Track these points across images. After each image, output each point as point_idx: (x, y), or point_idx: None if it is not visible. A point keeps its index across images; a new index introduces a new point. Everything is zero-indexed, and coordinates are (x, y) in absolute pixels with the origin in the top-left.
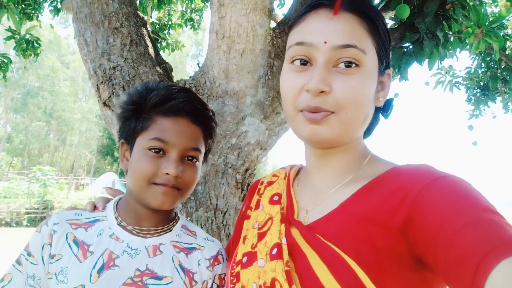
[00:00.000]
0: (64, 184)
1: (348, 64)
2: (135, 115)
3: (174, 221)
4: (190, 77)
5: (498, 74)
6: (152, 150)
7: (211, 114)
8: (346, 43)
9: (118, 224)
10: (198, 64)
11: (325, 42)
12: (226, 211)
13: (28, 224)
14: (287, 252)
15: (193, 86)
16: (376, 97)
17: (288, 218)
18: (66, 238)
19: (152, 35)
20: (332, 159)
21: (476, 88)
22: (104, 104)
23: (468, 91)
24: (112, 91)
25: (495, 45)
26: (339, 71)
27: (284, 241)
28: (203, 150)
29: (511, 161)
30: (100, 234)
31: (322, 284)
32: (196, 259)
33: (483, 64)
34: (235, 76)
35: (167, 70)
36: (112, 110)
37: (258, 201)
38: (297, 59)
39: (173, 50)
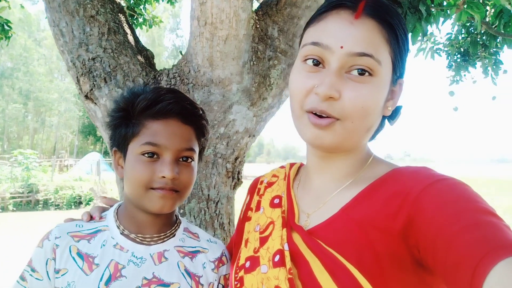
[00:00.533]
0: (48, 166)
1: (362, 72)
2: (125, 122)
3: (175, 225)
4: (173, 65)
5: (478, 40)
6: (146, 155)
7: (201, 112)
8: (363, 51)
9: (121, 233)
10: (180, 52)
11: (342, 47)
12: (218, 201)
13: (14, 209)
14: (289, 259)
15: (177, 76)
16: (385, 106)
17: (289, 223)
18: (70, 251)
19: (127, 11)
20: (334, 162)
21: (456, 54)
22: (86, 97)
23: (449, 57)
24: (93, 83)
25: (477, 16)
26: (351, 78)
27: (286, 247)
28: (197, 149)
29: (489, 124)
30: (104, 245)
31: None
32: (201, 262)
33: (463, 30)
34: (220, 64)
35: (148, 57)
36: (95, 103)
37: (259, 203)
38: (310, 58)
39: (150, 27)
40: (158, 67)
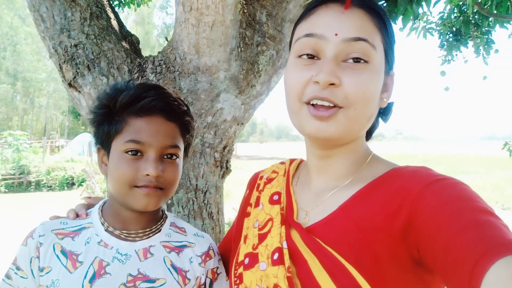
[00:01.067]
0: (38, 147)
1: (357, 59)
2: (107, 119)
3: (162, 220)
4: (159, 53)
5: (471, 19)
6: (129, 153)
7: (185, 108)
8: (358, 35)
9: (105, 230)
10: (166, 38)
11: (336, 35)
12: (206, 191)
13: (6, 190)
14: (288, 257)
15: (163, 63)
16: (381, 97)
17: (288, 220)
18: (54, 249)
19: None
20: (333, 160)
21: (448, 33)
22: (70, 85)
23: (441, 37)
24: (76, 71)
25: None
26: (349, 66)
27: (285, 245)
28: (182, 146)
29: (480, 103)
30: (88, 242)
31: None
32: (188, 257)
33: (455, 9)
34: (206, 51)
35: (134, 43)
36: (79, 92)
37: (258, 198)
38: (305, 53)
39: (138, 5)
40: (148, 45)
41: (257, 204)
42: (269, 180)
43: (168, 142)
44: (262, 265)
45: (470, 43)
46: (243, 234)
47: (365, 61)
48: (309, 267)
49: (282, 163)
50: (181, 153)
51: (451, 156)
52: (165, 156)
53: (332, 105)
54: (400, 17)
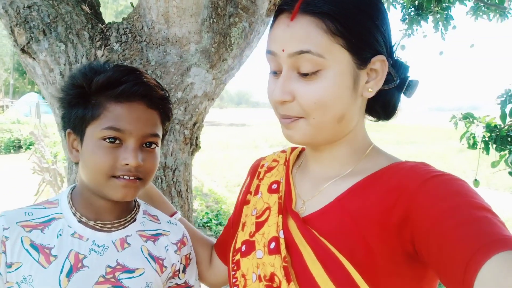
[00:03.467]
0: None
1: (305, 74)
2: (82, 102)
3: (135, 209)
4: (123, 19)
5: None
6: (107, 140)
7: (167, 95)
8: (300, 49)
9: (78, 221)
10: (131, 4)
11: (283, 50)
12: (175, 168)
13: None
14: (284, 247)
15: (128, 32)
16: (365, 88)
17: (286, 208)
18: (22, 243)
19: None
20: (329, 152)
21: (411, 7)
22: (23, 51)
23: (404, 11)
24: (30, 36)
25: None
26: (301, 78)
27: (281, 234)
28: (161, 134)
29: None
30: (60, 234)
31: (317, 283)
32: (163, 245)
33: None
34: (177, 21)
35: (94, 6)
36: (33, 58)
37: (258, 187)
38: (273, 71)
39: None
40: (112, 8)
41: (256, 192)
42: (269, 169)
43: (149, 130)
44: (258, 253)
45: (430, 18)
46: (242, 221)
47: (314, 72)
48: (303, 257)
49: (283, 151)
50: (159, 142)
51: (400, 125)
52: (145, 145)
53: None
54: None
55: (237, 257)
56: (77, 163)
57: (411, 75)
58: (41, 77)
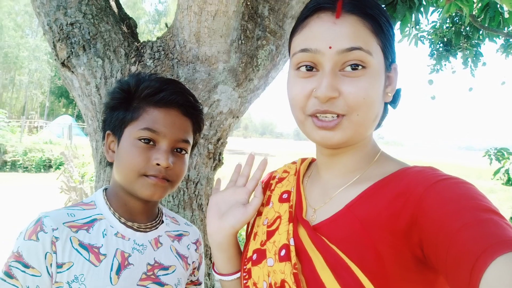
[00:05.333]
0: (16, 127)
1: (355, 66)
2: (124, 105)
3: (159, 211)
4: (158, 38)
5: (462, 30)
6: (142, 141)
7: (200, 106)
8: (351, 46)
9: (119, 222)
10: (166, 25)
11: (330, 47)
12: (198, 182)
13: None
14: (294, 254)
15: (161, 50)
16: (385, 93)
17: (297, 216)
18: (71, 243)
19: None
20: (341, 158)
21: (439, 43)
22: (63, 64)
23: (432, 46)
24: (71, 50)
25: (465, 9)
26: (346, 74)
27: (292, 242)
28: (191, 142)
29: (462, 114)
30: (105, 234)
31: None
32: (186, 244)
33: (448, 19)
34: (207, 40)
35: (131, 27)
36: (72, 72)
37: (269, 197)
38: (303, 65)
39: None
40: (137, 31)
41: (267, 202)
42: (280, 180)
43: (181, 135)
44: (269, 261)
45: (459, 54)
46: (253, 231)
47: (363, 67)
48: (313, 264)
49: (294, 162)
50: (189, 149)
51: (429, 163)
52: (176, 150)
53: (335, 116)
54: (398, 23)
55: (248, 265)
56: (100, 170)
57: (439, 109)
58: (78, 89)
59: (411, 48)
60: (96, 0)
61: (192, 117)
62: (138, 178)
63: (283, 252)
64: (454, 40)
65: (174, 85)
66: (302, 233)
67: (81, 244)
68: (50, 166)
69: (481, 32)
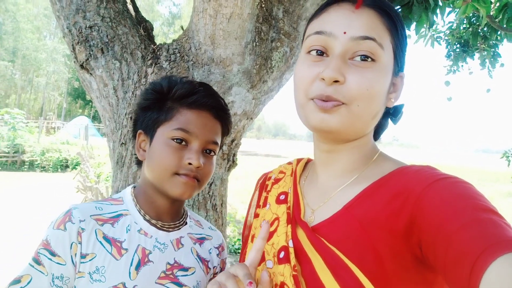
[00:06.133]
0: (34, 127)
1: (364, 58)
2: (158, 105)
3: (184, 213)
4: (173, 41)
5: (479, 31)
6: (175, 140)
7: (229, 111)
8: (366, 35)
9: (143, 219)
10: (182, 27)
11: (345, 33)
12: (212, 182)
13: (0, 168)
14: (293, 256)
15: (177, 52)
16: (388, 97)
17: (295, 218)
18: (96, 235)
19: None
20: (339, 156)
21: (456, 43)
22: (82, 66)
23: (448, 47)
24: (89, 53)
25: (482, 10)
26: (355, 64)
27: (290, 244)
28: (219, 144)
29: (480, 116)
30: (128, 229)
31: None
32: (207, 248)
33: (465, 20)
34: (222, 43)
35: (148, 29)
36: (90, 74)
37: (266, 199)
38: (314, 49)
39: None
40: (163, 34)
41: (264, 204)
42: (276, 181)
43: (212, 137)
44: (268, 263)
45: (477, 55)
46: (251, 233)
47: (372, 60)
48: (313, 265)
49: (289, 163)
50: (217, 151)
51: (444, 166)
52: (206, 151)
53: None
54: (414, 24)
55: None
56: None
57: (455, 110)
58: (96, 91)
59: (427, 49)
60: (114, 3)
61: (222, 120)
62: (171, 177)
63: (282, 254)
64: (472, 41)
65: (206, 88)
66: (301, 234)
67: (105, 237)
68: (67, 166)
69: (499, 32)
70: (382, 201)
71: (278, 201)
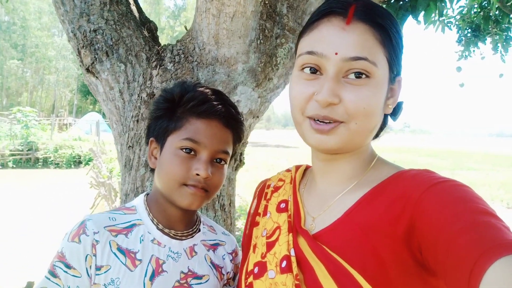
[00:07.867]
0: (47, 125)
1: (359, 75)
2: (169, 114)
3: (197, 220)
4: (177, 41)
5: (491, 15)
6: (184, 150)
7: (241, 118)
8: (357, 55)
9: (156, 228)
10: (185, 27)
11: (336, 54)
12: None
13: (14, 166)
14: (296, 265)
15: (181, 53)
16: (385, 104)
17: (295, 226)
18: (110, 247)
19: None
20: (338, 164)
21: (467, 28)
22: (87, 70)
23: (459, 32)
24: (95, 56)
25: None
26: (349, 82)
27: (292, 252)
28: (231, 153)
29: (493, 101)
30: (142, 240)
31: None
32: (221, 254)
33: (476, 4)
34: (226, 42)
35: (152, 30)
36: (96, 77)
37: (266, 207)
38: (307, 67)
39: None
40: (158, 27)
41: (265, 213)
42: (276, 189)
43: (222, 146)
44: (270, 273)
45: (488, 40)
46: (252, 243)
47: (367, 76)
48: (315, 274)
49: (288, 170)
50: (228, 160)
51: (457, 151)
52: (215, 160)
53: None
54: (422, 13)
55: (250, 279)
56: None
57: (466, 97)
58: (102, 94)
59: (438, 34)
60: (117, 6)
61: (232, 128)
62: (179, 187)
63: (284, 264)
64: (483, 25)
65: (217, 97)
66: (302, 242)
67: (119, 248)
68: (80, 162)
69: (511, 16)
70: (382, 206)
71: (279, 210)
